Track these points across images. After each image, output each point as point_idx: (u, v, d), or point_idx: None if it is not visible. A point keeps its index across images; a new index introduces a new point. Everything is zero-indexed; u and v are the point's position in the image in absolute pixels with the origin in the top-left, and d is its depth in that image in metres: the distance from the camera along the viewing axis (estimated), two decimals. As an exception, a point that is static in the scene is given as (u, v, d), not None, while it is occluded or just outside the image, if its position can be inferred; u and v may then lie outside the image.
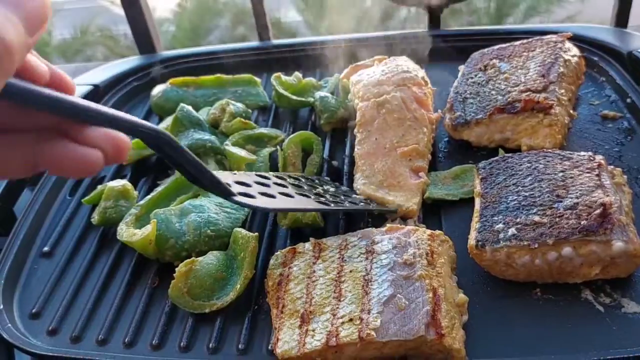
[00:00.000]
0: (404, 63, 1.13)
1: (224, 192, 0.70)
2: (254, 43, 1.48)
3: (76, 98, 0.43)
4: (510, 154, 0.92)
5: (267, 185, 0.83)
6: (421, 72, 1.11)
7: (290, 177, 0.93)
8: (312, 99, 1.21)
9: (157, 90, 1.29)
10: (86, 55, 4.40)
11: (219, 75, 1.30)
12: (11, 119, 0.43)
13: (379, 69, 1.12)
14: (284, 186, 0.86)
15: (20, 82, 0.41)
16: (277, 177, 0.89)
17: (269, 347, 0.77)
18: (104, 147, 0.42)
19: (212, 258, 0.87)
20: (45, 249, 0.98)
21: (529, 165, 0.87)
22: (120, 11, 1.41)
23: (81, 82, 1.37)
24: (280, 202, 0.82)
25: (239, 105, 1.20)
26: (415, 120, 1.02)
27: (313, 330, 0.72)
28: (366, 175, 0.98)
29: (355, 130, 1.05)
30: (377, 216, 0.95)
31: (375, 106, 1.03)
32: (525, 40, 1.14)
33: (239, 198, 0.72)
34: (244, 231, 0.89)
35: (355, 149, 1.02)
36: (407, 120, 1.02)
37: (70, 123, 0.43)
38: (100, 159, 0.42)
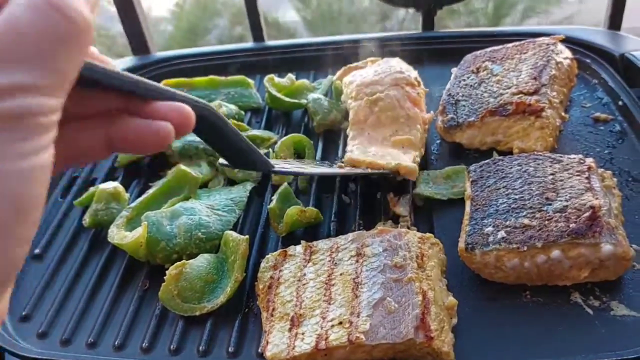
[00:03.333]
0: (397, 64, 1.13)
1: (266, 165, 0.70)
2: (248, 44, 1.47)
3: (139, 77, 0.44)
4: (500, 157, 0.93)
5: (289, 163, 0.90)
6: (414, 73, 1.12)
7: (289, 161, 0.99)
8: (305, 101, 1.21)
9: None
10: (83, 55, 4.38)
11: (212, 76, 1.30)
12: (84, 104, 0.43)
13: (371, 70, 1.12)
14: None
15: (94, 63, 0.40)
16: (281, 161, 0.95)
17: (259, 350, 0.77)
18: (172, 118, 0.43)
19: (202, 261, 0.87)
20: (36, 251, 0.98)
21: (519, 168, 0.87)
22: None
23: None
24: (316, 169, 0.89)
25: (232, 106, 1.20)
26: (409, 119, 1.02)
27: (303, 334, 0.72)
28: (359, 151, 1.00)
29: (348, 129, 1.05)
30: (368, 219, 0.95)
31: (369, 104, 1.04)
32: (517, 43, 1.14)
33: (278, 168, 0.77)
34: (234, 234, 0.89)
35: (348, 146, 1.02)
36: (401, 118, 1.02)
37: (136, 101, 0.43)
38: (172, 129, 0.42)
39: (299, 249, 0.84)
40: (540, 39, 1.13)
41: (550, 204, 0.80)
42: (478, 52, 1.17)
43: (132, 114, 0.43)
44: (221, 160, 0.80)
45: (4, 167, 0.31)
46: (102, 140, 0.44)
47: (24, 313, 0.87)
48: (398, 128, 1.01)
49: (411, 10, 1.45)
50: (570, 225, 0.76)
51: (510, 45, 1.15)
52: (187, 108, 0.45)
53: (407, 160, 0.96)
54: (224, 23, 4.47)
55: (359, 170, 0.95)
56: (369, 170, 0.95)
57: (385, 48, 1.30)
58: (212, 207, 0.96)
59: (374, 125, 1.02)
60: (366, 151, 0.98)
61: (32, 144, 0.32)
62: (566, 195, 0.80)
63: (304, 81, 1.27)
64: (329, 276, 0.78)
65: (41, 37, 0.32)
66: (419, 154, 1.00)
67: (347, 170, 0.94)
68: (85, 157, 0.45)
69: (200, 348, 0.79)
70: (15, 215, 0.32)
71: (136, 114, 0.43)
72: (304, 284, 0.79)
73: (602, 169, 0.89)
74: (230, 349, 0.79)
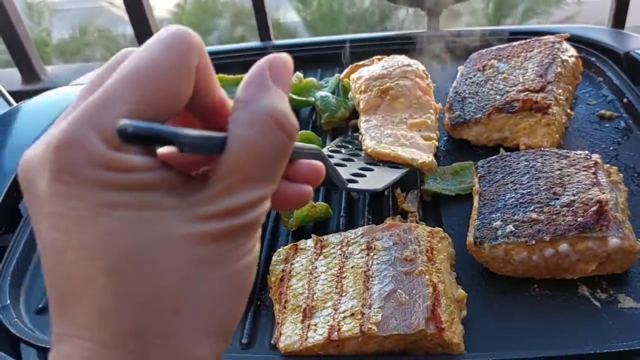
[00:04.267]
0: (404, 59, 1.14)
1: (343, 184, 0.73)
2: (255, 43, 1.49)
3: None
4: (508, 153, 0.94)
5: (344, 166, 0.94)
6: (422, 66, 1.13)
7: (332, 151, 1.02)
8: (312, 99, 1.22)
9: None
10: (85, 56, 4.40)
11: (220, 75, 1.31)
12: None
13: (379, 65, 1.14)
14: (348, 160, 0.98)
15: None
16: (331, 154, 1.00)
17: (272, 342, 0.78)
18: (310, 177, 0.46)
19: (215, 254, 0.88)
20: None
21: (526, 163, 0.89)
22: (119, 12, 1.43)
23: (80, 82, 1.38)
24: (377, 179, 0.90)
25: (241, 104, 1.21)
26: (421, 104, 1.04)
27: (315, 325, 0.74)
28: (376, 139, 0.99)
29: (359, 118, 1.06)
30: (377, 214, 0.97)
31: (379, 94, 1.05)
32: (523, 41, 1.16)
33: (351, 185, 0.85)
34: (246, 228, 0.90)
35: (361, 129, 1.03)
36: (413, 105, 1.04)
37: None
38: (311, 192, 0.45)
39: (309, 242, 0.86)
40: (546, 37, 1.14)
41: (557, 199, 0.81)
42: (484, 50, 1.19)
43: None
44: None
45: (239, 264, 0.37)
46: None
47: (40, 305, 0.88)
48: (412, 112, 1.03)
49: (412, 11, 1.46)
50: (578, 219, 0.77)
51: (515, 43, 1.16)
52: (321, 166, 0.47)
53: (427, 153, 0.96)
54: (224, 24, 4.49)
55: (400, 173, 0.94)
56: (405, 170, 0.94)
57: (392, 47, 1.31)
58: (223, 203, 0.97)
59: (387, 111, 1.03)
60: (382, 135, 0.99)
61: (256, 238, 0.39)
62: (573, 190, 0.81)
63: (312, 79, 1.29)
64: (340, 269, 0.80)
65: (274, 156, 0.37)
66: (436, 137, 1.01)
67: (396, 174, 0.93)
68: None
69: (214, 340, 0.80)
70: (244, 298, 0.39)
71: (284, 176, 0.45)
72: (316, 277, 0.80)
73: (608, 165, 0.91)
74: (244, 340, 0.80)
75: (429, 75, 1.12)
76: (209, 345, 0.36)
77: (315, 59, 1.37)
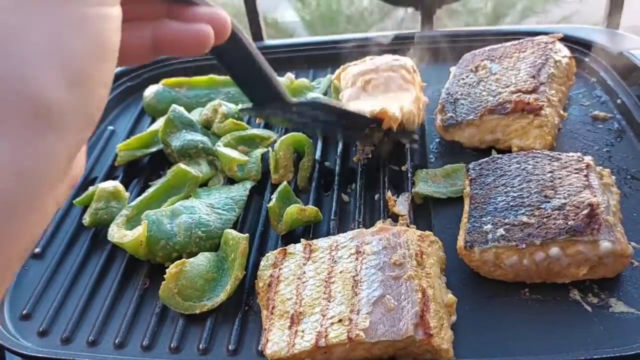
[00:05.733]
0: (393, 56, 1.15)
1: (288, 97, 0.73)
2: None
3: None
4: (499, 155, 0.93)
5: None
6: (410, 62, 1.13)
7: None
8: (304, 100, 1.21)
9: (150, 91, 1.29)
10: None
11: (211, 76, 1.30)
12: (132, 8, 0.47)
13: (367, 63, 1.15)
14: None
15: None
16: None
17: (259, 348, 0.77)
18: (212, 22, 0.47)
19: (202, 259, 0.87)
20: (37, 250, 0.98)
21: (518, 166, 0.88)
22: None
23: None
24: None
25: (231, 106, 1.20)
26: (403, 89, 1.06)
27: (302, 331, 0.73)
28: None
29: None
30: (368, 218, 0.96)
31: (362, 84, 1.07)
32: (516, 41, 1.15)
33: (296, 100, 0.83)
34: (234, 232, 0.89)
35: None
36: (394, 89, 1.06)
37: (177, 6, 0.48)
38: (211, 32, 0.47)
39: (298, 247, 0.85)
40: (539, 37, 1.13)
41: (548, 202, 0.80)
42: (477, 51, 1.18)
43: (174, 18, 0.48)
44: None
45: (87, 10, 0.37)
46: (147, 42, 0.49)
47: (24, 312, 0.87)
48: (392, 94, 1.05)
49: (410, 10, 1.45)
50: (569, 223, 0.76)
51: (508, 44, 1.15)
52: (225, 14, 0.49)
53: (394, 108, 0.98)
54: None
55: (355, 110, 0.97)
56: (364, 114, 0.97)
57: (384, 47, 1.30)
58: (212, 206, 0.96)
59: (369, 97, 1.06)
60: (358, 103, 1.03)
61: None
62: (565, 193, 0.80)
63: (303, 80, 1.28)
64: (328, 274, 0.79)
65: None
66: (408, 106, 1.01)
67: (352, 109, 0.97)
68: (133, 58, 0.50)
69: (201, 346, 0.79)
70: (98, 51, 0.38)
71: (177, 18, 0.48)
72: (304, 282, 0.79)
73: (600, 167, 0.90)
74: (231, 347, 0.79)
75: (417, 72, 1.12)
76: (57, 85, 0.35)
77: (307, 59, 1.36)
